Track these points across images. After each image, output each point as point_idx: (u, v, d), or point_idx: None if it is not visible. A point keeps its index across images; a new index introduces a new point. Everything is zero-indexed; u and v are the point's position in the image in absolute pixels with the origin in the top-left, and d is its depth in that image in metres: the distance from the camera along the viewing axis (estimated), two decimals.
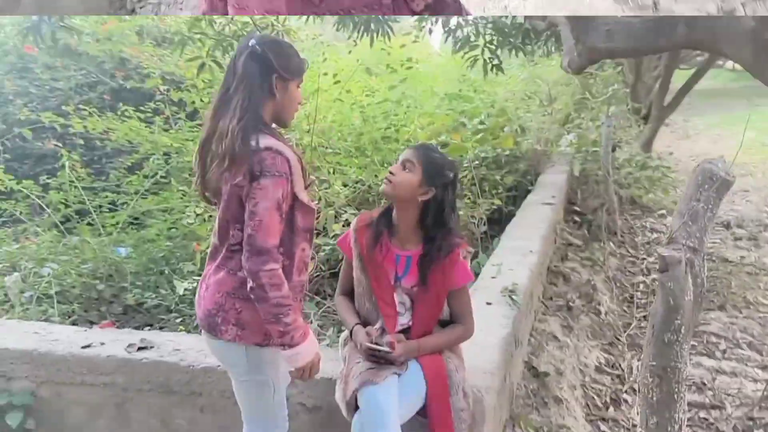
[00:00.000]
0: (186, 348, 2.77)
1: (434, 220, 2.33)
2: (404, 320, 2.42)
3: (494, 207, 5.41)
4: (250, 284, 1.90)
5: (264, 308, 1.91)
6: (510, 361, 3.09)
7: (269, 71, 1.99)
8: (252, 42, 2.00)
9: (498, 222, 5.43)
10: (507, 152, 6.35)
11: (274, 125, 2.09)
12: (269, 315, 1.91)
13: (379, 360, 2.28)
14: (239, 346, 2.05)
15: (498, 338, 2.88)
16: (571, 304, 4.36)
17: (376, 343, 2.28)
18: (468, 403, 2.32)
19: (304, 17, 5.61)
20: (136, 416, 2.75)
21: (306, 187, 2.06)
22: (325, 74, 5.21)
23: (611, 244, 6.00)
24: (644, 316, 4.75)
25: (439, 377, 2.30)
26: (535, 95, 7.63)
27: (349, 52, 6.29)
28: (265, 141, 1.93)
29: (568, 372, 3.76)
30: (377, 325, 2.38)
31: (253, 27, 6.03)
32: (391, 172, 2.31)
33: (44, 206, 4.87)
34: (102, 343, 2.80)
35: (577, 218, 6.20)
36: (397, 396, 2.20)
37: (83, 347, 2.76)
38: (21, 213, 4.88)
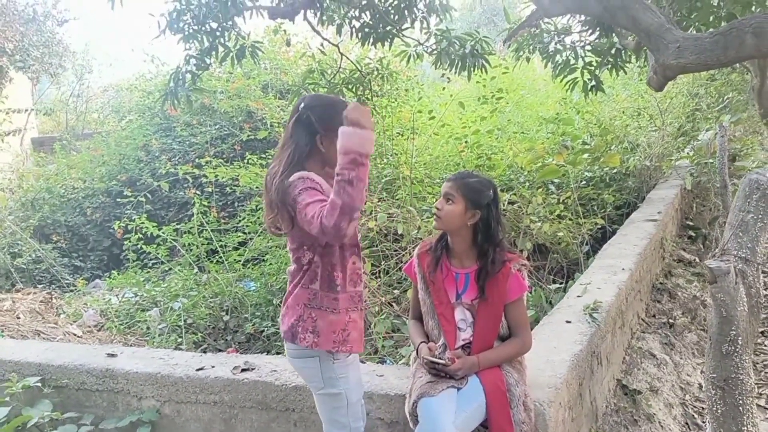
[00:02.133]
0: (282, 369, 3.13)
1: (485, 237, 2.56)
2: (466, 335, 2.61)
3: (598, 227, 5.40)
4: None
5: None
6: (589, 378, 3.16)
7: (314, 132, 2.31)
8: (301, 106, 2.34)
9: (605, 241, 5.40)
10: (615, 170, 6.28)
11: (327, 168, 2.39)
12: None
13: (439, 373, 2.50)
14: (314, 359, 2.35)
15: (569, 354, 2.96)
16: (672, 321, 4.26)
17: (439, 357, 2.50)
18: (530, 417, 2.46)
19: (404, 61, 5.95)
20: (241, 430, 3.12)
21: None
22: (419, 112, 5.50)
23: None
24: (762, 332, 4.52)
25: (498, 391, 2.46)
26: (645, 111, 7.45)
27: (443, 88, 6.55)
28: (297, 174, 2.22)
29: (665, 390, 3.72)
30: (440, 342, 2.60)
31: (359, 74, 6.52)
32: (437, 207, 2.57)
33: (180, 248, 5.54)
34: (212, 366, 3.23)
35: (692, 233, 5.98)
36: (453, 408, 2.39)
37: (197, 370, 3.20)
38: (161, 255, 5.57)
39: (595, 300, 3.50)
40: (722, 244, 2.39)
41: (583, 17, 5.59)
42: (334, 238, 2.07)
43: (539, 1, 4.56)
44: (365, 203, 2.21)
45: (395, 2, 5.68)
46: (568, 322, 3.35)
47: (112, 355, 3.57)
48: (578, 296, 3.70)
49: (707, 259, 2.37)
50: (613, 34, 5.44)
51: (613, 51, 5.72)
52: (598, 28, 5.50)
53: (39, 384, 3.50)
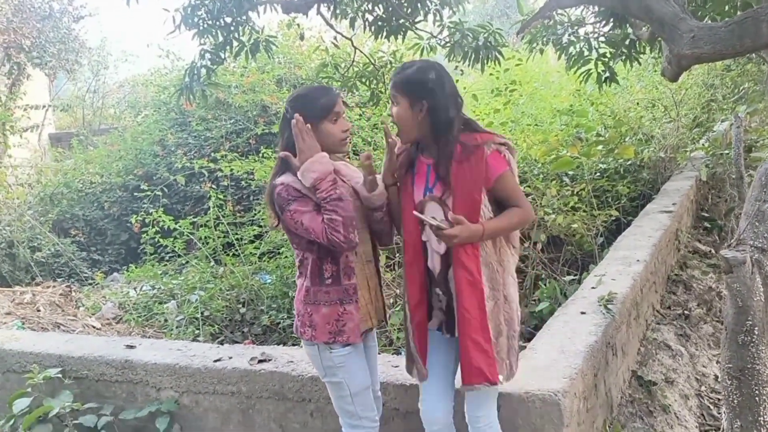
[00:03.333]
0: (298, 360, 3.16)
1: (436, 125, 2.32)
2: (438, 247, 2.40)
3: (613, 218, 5.38)
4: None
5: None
6: (604, 368, 3.16)
7: (289, 120, 2.38)
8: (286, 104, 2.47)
9: (619, 232, 5.39)
10: (629, 162, 6.25)
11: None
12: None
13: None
14: (314, 348, 2.46)
15: (584, 345, 2.97)
16: (687, 312, 4.26)
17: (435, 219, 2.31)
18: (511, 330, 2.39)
19: (418, 53, 5.95)
20: (259, 421, 3.17)
21: None
22: None
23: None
24: None
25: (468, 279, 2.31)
26: (659, 102, 7.40)
27: (457, 80, 6.52)
28: (281, 179, 2.36)
29: (681, 381, 3.72)
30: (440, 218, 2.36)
31: (372, 67, 6.53)
32: (391, 116, 2.41)
33: (196, 241, 5.59)
34: (230, 357, 3.27)
35: (707, 224, 5.95)
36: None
37: (215, 361, 3.25)
38: (178, 249, 5.63)
39: (610, 291, 3.51)
40: (738, 233, 2.39)
41: (596, 8, 5.56)
42: (348, 249, 2.33)
43: None
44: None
45: None
46: (583, 313, 3.36)
47: (131, 347, 3.63)
48: (593, 288, 3.70)
49: (723, 249, 2.37)
50: (627, 25, 5.41)
51: (627, 42, 5.69)
52: (611, 19, 5.46)
53: (60, 375, 3.56)
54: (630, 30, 5.57)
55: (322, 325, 2.40)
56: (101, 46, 17.45)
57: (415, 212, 2.31)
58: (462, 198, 2.31)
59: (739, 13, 4.57)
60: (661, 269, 4.60)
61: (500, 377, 2.35)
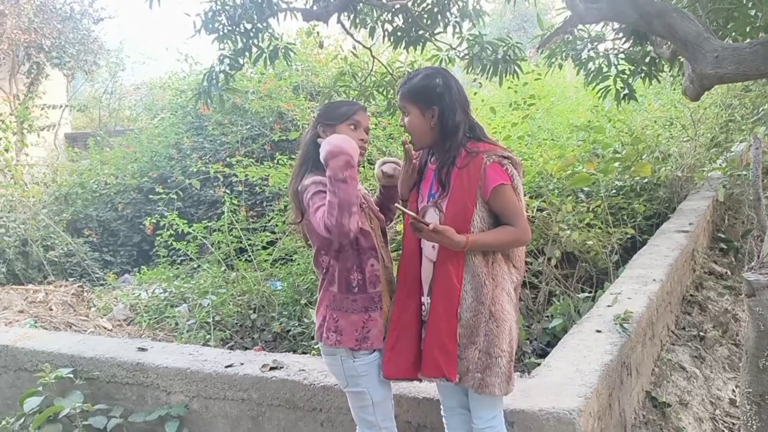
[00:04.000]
0: (310, 368, 3.15)
1: (444, 130, 2.34)
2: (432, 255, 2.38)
3: (628, 236, 5.34)
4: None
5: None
6: (619, 388, 3.13)
7: (315, 123, 2.48)
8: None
9: (634, 251, 5.35)
10: (645, 180, 6.21)
11: None
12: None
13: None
14: (335, 357, 2.45)
15: (599, 364, 2.94)
16: (703, 334, 4.21)
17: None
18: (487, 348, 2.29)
19: (436, 64, 5.97)
20: (268, 428, 3.15)
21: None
22: None
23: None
24: None
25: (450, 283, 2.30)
26: (677, 121, 7.36)
27: (475, 93, 6.55)
28: (308, 179, 2.36)
29: (695, 403, 3.67)
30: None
31: (390, 77, 6.54)
32: (402, 127, 2.42)
33: (209, 245, 5.60)
34: (241, 363, 3.26)
35: (723, 245, 5.90)
36: None
37: (226, 366, 3.24)
38: (191, 252, 5.64)
39: (625, 310, 3.47)
40: (762, 256, 2.36)
41: (617, 25, 5.55)
42: (339, 235, 2.18)
43: (575, 8, 4.53)
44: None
45: (429, 7, 5.69)
46: (598, 331, 3.33)
47: (143, 350, 3.63)
48: (608, 306, 3.67)
49: (745, 271, 2.34)
50: (648, 43, 5.39)
51: (647, 60, 5.67)
52: (632, 37, 5.45)
53: (71, 375, 3.57)
54: (650, 48, 5.56)
55: (349, 332, 2.40)
56: (119, 48, 17.61)
57: (396, 204, 2.36)
58: (454, 204, 2.30)
59: (762, 34, 4.55)
60: (676, 289, 4.56)
61: (457, 378, 2.30)
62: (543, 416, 2.53)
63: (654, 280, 4.06)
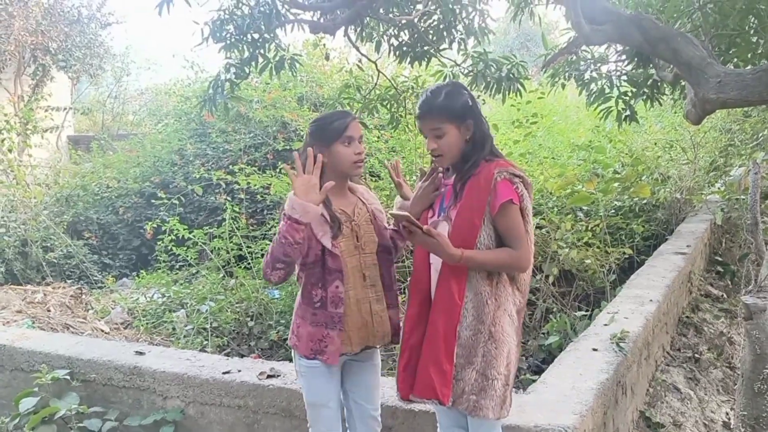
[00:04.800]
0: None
1: (477, 142, 2.33)
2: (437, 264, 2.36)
3: (626, 256, 5.37)
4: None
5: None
6: (614, 407, 3.14)
7: (306, 146, 2.48)
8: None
9: (631, 271, 5.38)
10: (644, 201, 6.25)
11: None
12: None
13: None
14: (294, 350, 2.59)
15: (595, 382, 2.96)
16: (698, 356, 4.23)
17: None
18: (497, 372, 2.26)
19: (440, 79, 6.02)
20: None
21: (334, 237, 2.46)
22: None
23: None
24: None
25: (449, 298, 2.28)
26: (677, 143, 7.42)
27: None
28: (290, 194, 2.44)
29: (689, 425, 3.68)
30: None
31: (395, 91, 6.59)
32: (433, 150, 2.34)
33: (209, 252, 5.62)
34: (239, 370, 3.28)
35: (720, 268, 5.93)
36: None
37: (223, 373, 3.26)
38: (191, 258, 5.65)
39: (622, 329, 3.49)
40: (759, 280, 2.39)
41: (620, 47, 5.60)
42: (268, 280, 2.48)
43: (581, 29, 4.58)
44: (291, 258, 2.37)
45: (435, 23, 5.75)
46: (595, 350, 3.35)
47: (140, 353, 3.64)
48: (605, 325, 3.69)
49: (742, 295, 2.37)
50: (651, 66, 5.45)
51: (649, 82, 5.72)
52: (635, 59, 5.50)
53: (67, 377, 3.58)
54: (653, 71, 5.61)
55: (305, 341, 2.52)
56: (125, 54, 17.69)
57: (390, 212, 2.36)
58: (462, 214, 2.29)
59: (764, 61, 4.60)
60: (672, 310, 4.59)
61: (451, 401, 2.26)
62: None
63: (651, 300, 4.09)
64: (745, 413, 2.37)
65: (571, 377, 3.01)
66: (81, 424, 3.40)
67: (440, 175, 2.46)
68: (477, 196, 2.26)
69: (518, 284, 2.37)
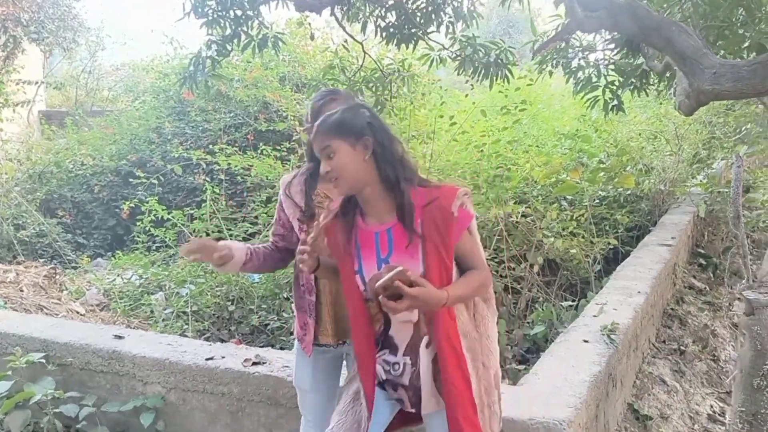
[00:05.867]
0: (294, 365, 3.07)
1: (386, 163, 1.98)
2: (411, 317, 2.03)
3: (610, 247, 5.37)
4: None
5: None
6: (605, 399, 3.12)
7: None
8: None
9: (615, 262, 5.38)
10: (628, 192, 6.25)
11: None
12: None
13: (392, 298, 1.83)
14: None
15: (588, 375, 2.92)
16: (683, 348, 4.23)
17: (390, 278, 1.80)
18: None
19: (427, 63, 5.92)
20: (248, 425, 3.08)
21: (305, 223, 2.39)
22: (441, 117, 5.47)
23: (738, 288, 5.71)
24: None
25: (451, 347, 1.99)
26: (662, 135, 7.44)
27: (466, 95, 6.53)
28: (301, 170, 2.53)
29: (675, 417, 3.68)
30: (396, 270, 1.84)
31: (380, 73, 6.48)
32: (327, 173, 1.98)
33: (189, 233, 5.48)
34: (223, 357, 3.18)
35: (702, 261, 5.96)
36: None
37: (207, 359, 3.15)
38: (169, 239, 5.51)
39: (612, 321, 3.46)
40: (761, 275, 2.35)
41: (609, 35, 5.55)
42: None
43: (574, 15, 4.50)
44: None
45: (423, 5, 5.64)
46: (585, 341, 3.31)
47: (120, 337, 3.52)
48: (594, 316, 3.66)
49: (743, 290, 2.34)
50: (640, 55, 5.41)
51: (638, 72, 5.69)
52: (624, 48, 5.46)
53: (43, 360, 3.44)
54: (642, 60, 5.57)
55: (296, 325, 2.58)
56: (100, 27, 17.22)
57: (375, 283, 1.84)
58: (432, 253, 1.95)
59: (753, 54, 4.58)
60: (658, 302, 4.59)
61: None
62: (533, 425, 2.50)
63: (639, 292, 4.07)
64: (743, 409, 2.35)
65: (563, 369, 2.97)
66: (57, 410, 3.27)
67: (331, 210, 2.02)
68: (438, 232, 1.95)
69: (491, 300, 2.19)
